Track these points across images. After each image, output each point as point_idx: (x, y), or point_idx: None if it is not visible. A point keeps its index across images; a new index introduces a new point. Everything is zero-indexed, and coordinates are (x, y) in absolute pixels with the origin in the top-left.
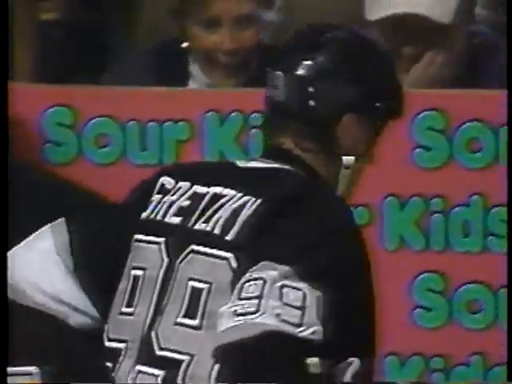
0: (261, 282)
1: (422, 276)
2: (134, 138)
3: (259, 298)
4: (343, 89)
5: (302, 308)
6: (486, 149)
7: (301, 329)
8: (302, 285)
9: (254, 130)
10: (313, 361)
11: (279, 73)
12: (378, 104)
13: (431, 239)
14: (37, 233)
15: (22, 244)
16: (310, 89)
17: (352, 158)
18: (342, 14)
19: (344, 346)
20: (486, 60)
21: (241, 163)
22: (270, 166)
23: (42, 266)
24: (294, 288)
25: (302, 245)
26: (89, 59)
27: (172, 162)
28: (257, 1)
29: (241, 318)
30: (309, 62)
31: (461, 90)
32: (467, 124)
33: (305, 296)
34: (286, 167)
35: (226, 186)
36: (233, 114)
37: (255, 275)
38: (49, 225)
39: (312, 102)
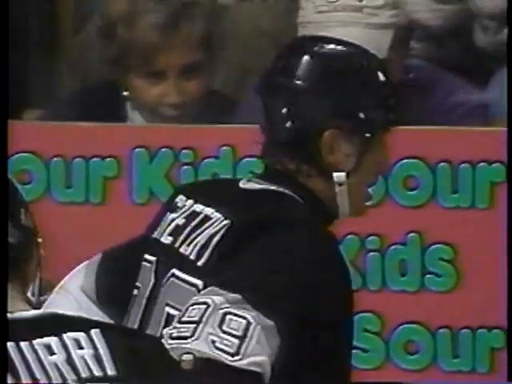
0: (204, 306)
1: (357, 316)
2: (58, 175)
3: (197, 322)
4: (319, 105)
5: (241, 337)
6: (423, 186)
7: (236, 358)
8: (248, 314)
9: (184, 167)
10: (188, 356)
11: (259, 96)
12: (361, 115)
13: (367, 278)
14: (73, 270)
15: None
16: (284, 110)
17: (343, 174)
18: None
19: (303, 380)
20: (423, 94)
21: (242, 183)
22: (265, 187)
23: (68, 302)
24: (237, 316)
25: (259, 272)
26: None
27: (99, 200)
28: (202, 49)
29: (174, 341)
30: (280, 83)
31: (397, 126)
32: (404, 161)
33: (248, 325)
34: (281, 190)
35: (216, 209)
36: (162, 150)
37: (200, 299)
38: (85, 262)
39: (288, 124)
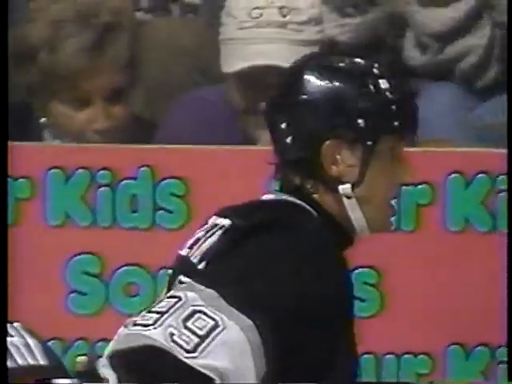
0: (175, 299)
1: None
2: None
3: (163, 313)
4: (317, 116)
5: (203, 337)
6: None
7: (190, 355)
8: (219, 316)
9: (102, 188)
10: (81, 358)
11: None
12: (361, 123)
13: None
14: None
15: None
16: (283, 125)
17: (348, 185)
18: (199, 69)
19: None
20: None
21: (264, 196)
22: (280, 198)
23: None
24: (207, 315)
25: (244, 269)
26: None
27: (11, 221)
28: (126, 71)
29: (134, 328)
30: (280, 100)
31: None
32: None
33: (215, 327)
34: (295, 201)
35: (231, 219)
36: (78, 171)
37: (176, 293)
38: None
39: (289, 139)
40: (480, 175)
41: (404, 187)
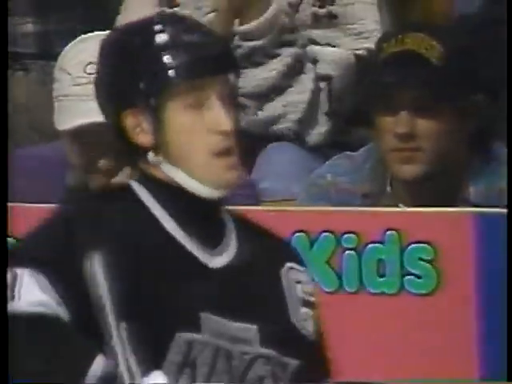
0: None
1: None
2: None
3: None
4: (108, 92)
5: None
6: None
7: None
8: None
9: None
10: None
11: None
12: (141, 85)
13: None
14: None
15: None
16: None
17: (149, 153)
18: (30, 126)
19: None
20: None
21: None
22: None
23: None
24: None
25: None
26: None
27: None
28: None
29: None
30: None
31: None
32: None
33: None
34: None
35: None
36: None
37: None
38: None
39: (102, 118)
40: (324, 234)
41: None
